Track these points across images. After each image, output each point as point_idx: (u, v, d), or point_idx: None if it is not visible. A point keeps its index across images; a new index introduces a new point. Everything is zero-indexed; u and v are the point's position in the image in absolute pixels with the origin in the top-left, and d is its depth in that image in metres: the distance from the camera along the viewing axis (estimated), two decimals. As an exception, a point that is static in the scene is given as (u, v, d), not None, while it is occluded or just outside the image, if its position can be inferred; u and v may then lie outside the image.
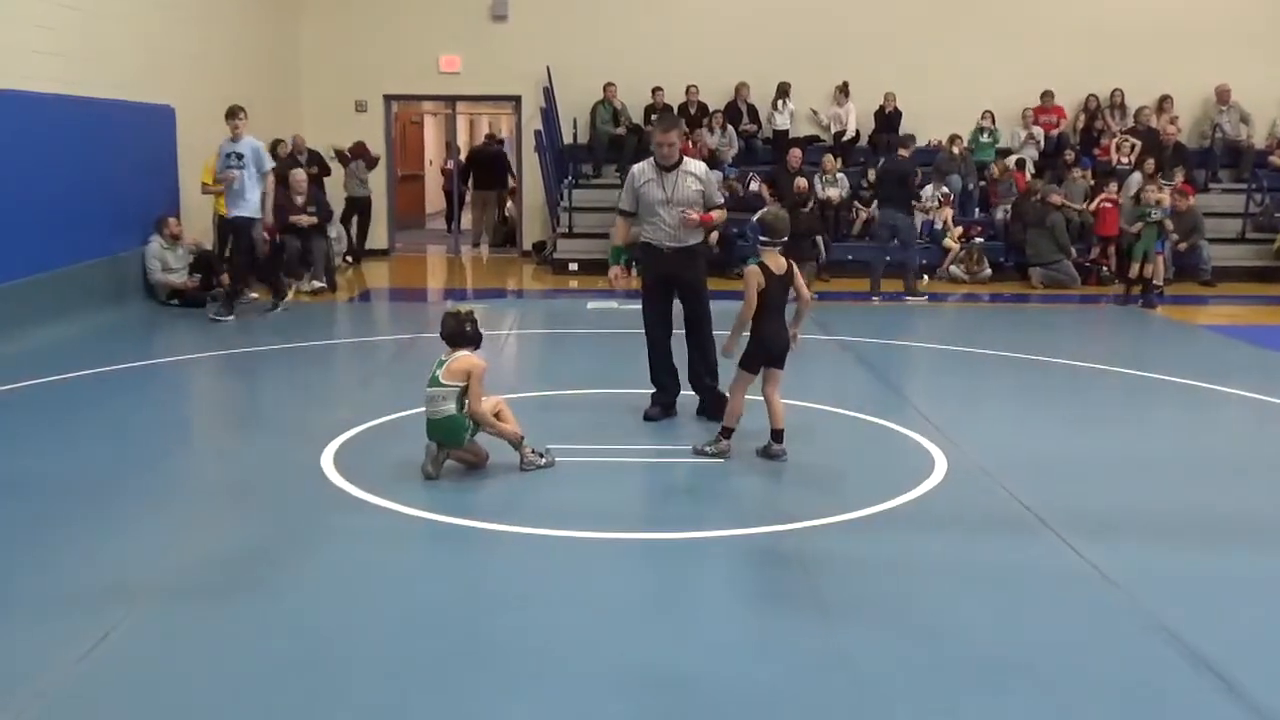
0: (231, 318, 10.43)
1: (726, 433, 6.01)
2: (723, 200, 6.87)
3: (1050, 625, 4.00)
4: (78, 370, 8.01)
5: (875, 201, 14.09)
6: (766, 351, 5.94)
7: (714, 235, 7.12)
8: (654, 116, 15.76)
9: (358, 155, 15.80)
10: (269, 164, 10.63)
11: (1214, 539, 4.94)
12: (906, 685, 3.51)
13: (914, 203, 13.56)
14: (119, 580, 4.25)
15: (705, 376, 6.81)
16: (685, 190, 6.57)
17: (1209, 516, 5.25)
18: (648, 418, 6.82)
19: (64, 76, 9.75)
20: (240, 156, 10.36)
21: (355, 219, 16.01)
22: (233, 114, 10.46)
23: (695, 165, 6.74)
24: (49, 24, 9.68)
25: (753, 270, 5.87)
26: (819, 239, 13.93)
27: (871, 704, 3.40)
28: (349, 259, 15.70)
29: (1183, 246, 13.94)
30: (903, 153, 13.02)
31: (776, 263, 5.90)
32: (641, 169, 6.75)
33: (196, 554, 4.56)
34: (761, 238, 5.96)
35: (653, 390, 6.93)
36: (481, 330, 5.79)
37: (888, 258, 13.00)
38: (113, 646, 3.69)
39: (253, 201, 10.52)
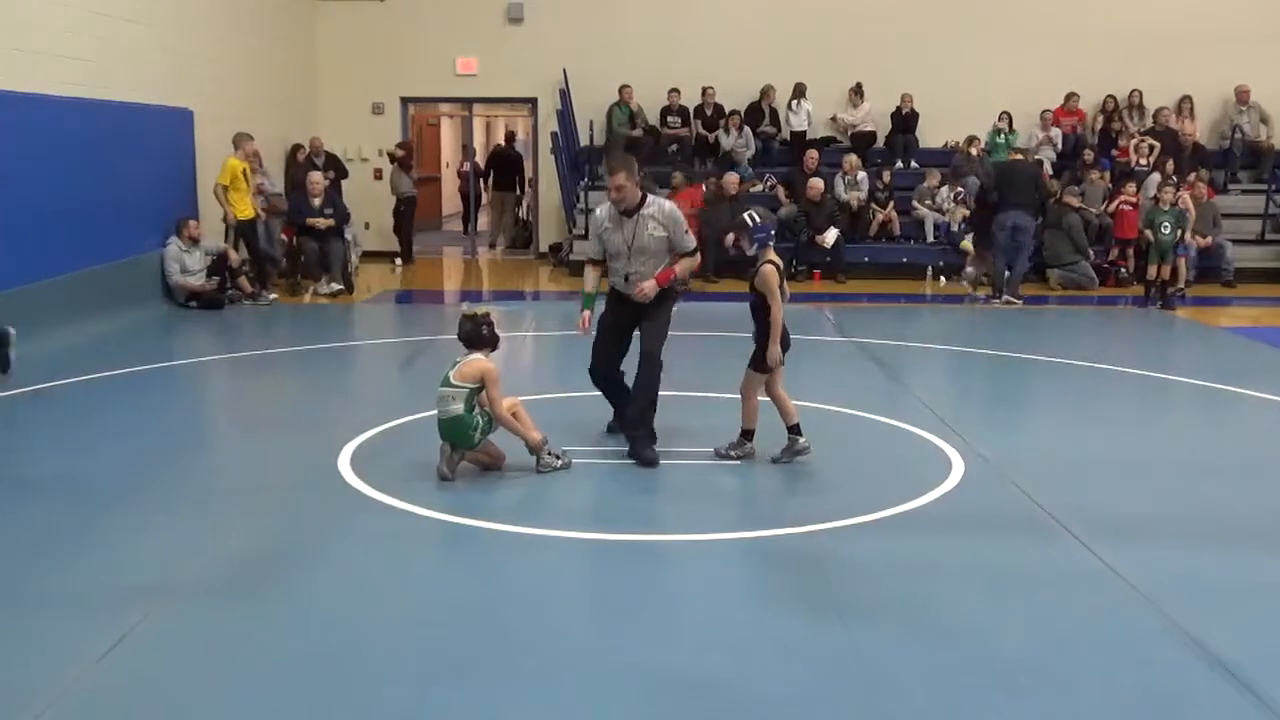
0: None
1: (748, 435, 6.00)
2: (693, 244, 6.10)
3: (1068, 628, 3.98)
4: (96, 372, 8.05)
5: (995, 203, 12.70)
6: (780, 349, 5.93)
7: (690, 268, 6.28)
8: (668, 118, 15.84)
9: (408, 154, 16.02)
10: None
11: (1233, 541, 4.91)
12: (924, 689, 3.50)
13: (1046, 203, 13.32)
14: (138, 580, 4.28)
15: (640, 421, 6.00)
16: (645, 238, 5.90)
17: (1228, 519, 5.22)
18: (612, 430, 6.45)
19: (85, 80, 9.82)
20: None
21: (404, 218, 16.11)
22: None
23: (658, 208, 5.98)
24: (71, 28, 9.76)
25: (770, 270, 5.85)
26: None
27: (889, 707, 3.39)
28: (396, 261, 15.65)
29: (1207, 240, 13.89)
30: (1022, 155, 12.83)
31: (777, 259, 5.94)
32: (601, 213, 6.10)
33: (214, 554, 4.58)
34: (759, 236, 5.92)
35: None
36: (499, 333, 5.79)
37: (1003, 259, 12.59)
38: (132, 646, 3.71)
39: None
